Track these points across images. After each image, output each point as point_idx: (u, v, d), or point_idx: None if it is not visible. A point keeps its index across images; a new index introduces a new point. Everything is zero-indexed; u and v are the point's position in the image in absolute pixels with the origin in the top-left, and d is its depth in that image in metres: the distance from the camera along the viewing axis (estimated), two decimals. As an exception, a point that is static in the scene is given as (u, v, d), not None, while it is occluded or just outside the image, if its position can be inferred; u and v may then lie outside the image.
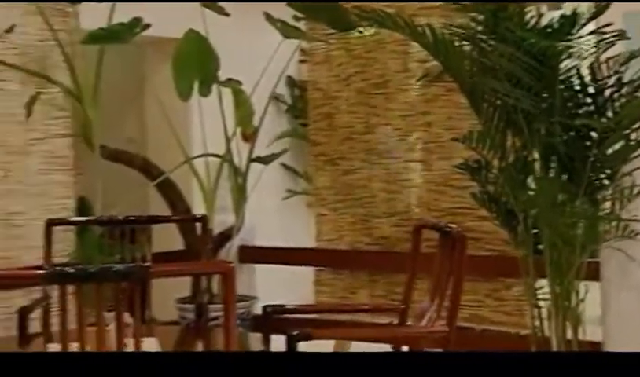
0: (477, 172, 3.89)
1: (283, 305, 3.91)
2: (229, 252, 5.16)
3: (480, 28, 3.55)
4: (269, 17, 4.76)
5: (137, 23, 4.61)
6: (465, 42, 3.56)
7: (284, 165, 7.04)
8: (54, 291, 4.27)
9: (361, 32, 4.88)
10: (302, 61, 6.32)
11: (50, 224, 4.32)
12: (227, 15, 4.84)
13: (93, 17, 4.87)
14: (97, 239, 4.14)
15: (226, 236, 5.15)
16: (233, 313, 2.81)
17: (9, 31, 4.70)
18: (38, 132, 4.98)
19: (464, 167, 3.91)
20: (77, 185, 5.09)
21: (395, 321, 3.87)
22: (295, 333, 3.40)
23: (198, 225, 4.71)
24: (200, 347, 4.24)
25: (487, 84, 3.50)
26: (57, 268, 2.67)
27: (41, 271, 2.78)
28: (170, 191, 4.96)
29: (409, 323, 3.79)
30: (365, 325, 4.53)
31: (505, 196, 3.70)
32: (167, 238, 5.27)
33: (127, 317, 2.91)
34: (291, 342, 3.39)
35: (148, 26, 4.61)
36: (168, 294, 5.11)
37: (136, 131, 6.83)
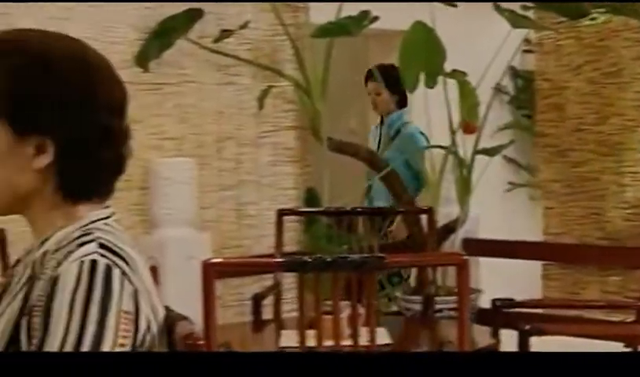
0: None
1: (512, 299, 3.87)
2: (453, 244, 5.13)
3: None
4: (497, 7, 4.70)
5: (365, 16, 4.65)
6: None
7: (506, 157, 6.95)
8: (285, 279, 4.39)
9: (593, 20, 4.75)
10: (526, 51, 6.21)
11: (281, 214, 4.43)
12: (454, 5, 4.82)
13: (322, 11, 4.94)
14: (326, 229, 4.19)
15: (450, 228, 5.13)
16: (466, 306, 2.80)
17: (244, 27, 4.83)
18: (268, 124, 5.11)
19: None
20: (304, 177, 5.19)
21: (630, 319, 3.75)
22: (527, 328, 3.36)
23: (423, 217, 4.72)
24: (425, 339, 4.24)
25: None
26: (296, 256, 2.74)
27: (279, 259, 2.86)
28: (395, 182, 4.97)
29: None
30: (598, 322, 4.42)
31: None
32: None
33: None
34: (523, 337, 3.35)
35: (376, 18, 4.64)
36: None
37: (358, 123, 6.90)
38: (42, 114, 1.74)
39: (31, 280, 1.75)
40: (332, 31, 4.67)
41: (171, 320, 1.83)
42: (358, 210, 4.27)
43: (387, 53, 6.17)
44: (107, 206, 1.84)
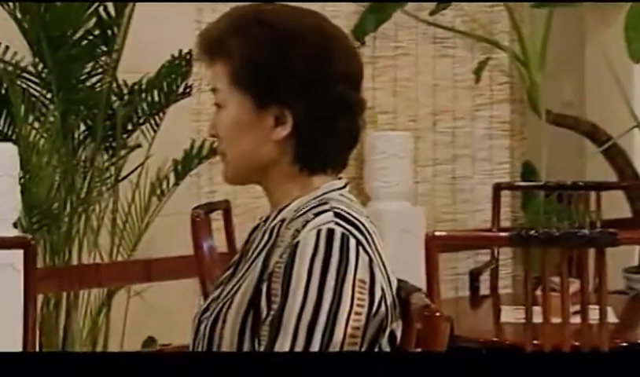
0: None
1: None
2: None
3: None
4: None
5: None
6: None
7: None
8: (502, 255, 4.32)
9: None
10: None
11: (498, 188, 4.36)
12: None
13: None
14: (546, 204, 4.09)
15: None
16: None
17: (464, -1, 4.76)
18: (484, 97, 5.03)
19: None
20: (521, 150, 5.09)
21: None
22: None
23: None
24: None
25: None
26: (522, 231, 2.67)
27: (505, 233, 2.80)
28: (618, 157, 4.81)
29: None
30: None
31: None
32: (613, 205, 5.13)
33: (577, 284, 2.85)
34: None
35: (599, -13, 4.49)
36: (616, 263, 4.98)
37: (574, 95, 6.70)
38: (283, 85, 1.77)
39: (270, 247, 1.78)
40: (553, 0, 4.55)
41: (405, 292, 1.81)
42: (580, 184, 4.14)
43: (602, 24, 5.95)
44: (340, 178, 1.86)
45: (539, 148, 4.79)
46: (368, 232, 1.76)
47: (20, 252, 2.83)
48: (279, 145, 1.80)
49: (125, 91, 4.16)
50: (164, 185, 4.21)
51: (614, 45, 4.85)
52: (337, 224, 1.72)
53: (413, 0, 4.67)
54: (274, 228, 1.81)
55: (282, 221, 1.80)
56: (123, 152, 4.19)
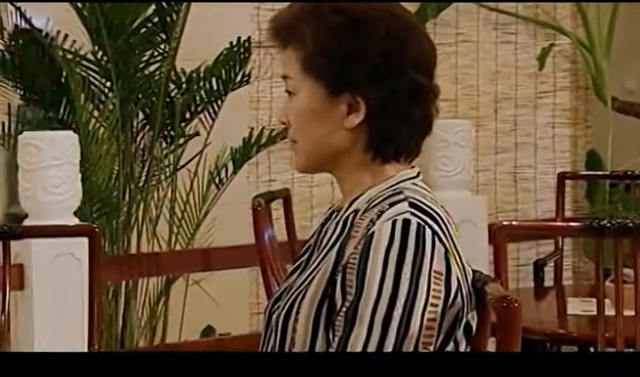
0: None
1: None
2: None
3: None
4: None
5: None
6: None
7: None
8: (566, 246, 4.24)
9: None
10: None
11: (563, 177, 4.27)
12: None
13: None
14: (612, 194, 4.00)
15: None
16: None
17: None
18: (547, 84, 4.94)
19: None
20: (585, 139, 4.99)
21: None
22: None
23: None
24: None
25: None
26: (595, 221, 2.60)
27: (576, 224, 2.74)
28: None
29: None
30: None
31: None
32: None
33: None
34: None
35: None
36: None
37: (637, 83, 6.57)
38: (356, 72, 1.75)
39: (344, 237, 1.76)
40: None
41: (481, 282, 1.77)
42: (647, 174, 4.04)
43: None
44: (412, 166, 1.83)
45: (603, 136, 4.70)
46: (443, 222, 1.74)
47: (81, 240, 2.83)
48: (351, 133, 1.77)
49: (183, 79, 4.14)
50: (222, 174, 4.18)
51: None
52: (413, 214, 1.70)
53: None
54: (347, 218, 1.78)
55: (355, 211, 1.78)
56: (181, 141, 4.17)
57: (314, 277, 1.75)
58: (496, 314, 1.67)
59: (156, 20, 4.03)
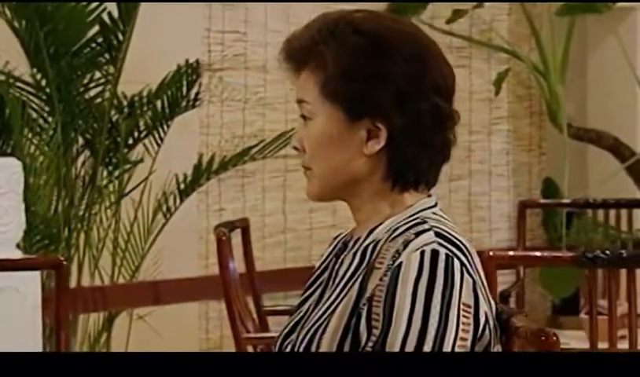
0: None
1: None
2: None
3: None
4: None
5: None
6: None
7: None
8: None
9: None
10: None
11: (524, 205, 4.17)
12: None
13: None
14: (584, 222, 3.90)
15: None
16: None
17: (478, 6, 4.59)
18: (501, 110, 4.89)
19: None
20: (540, 166, 4.92)
21: None
22: None
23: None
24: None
25: None
26: (587, 251, 2.50)
27: (570, 253, 2.63)
28: (640, 172, 4.63)
29: None
30: None
31: None
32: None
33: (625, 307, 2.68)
34: None
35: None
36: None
37: (575, 107, 6.55)
38: (379, 96, 1.69)
39: (364, 268, 1.70)
40: (576, 8, 4.39)
41: (506, 314, 1.73)
42: (611, 202, 3.95)
43: (606, 33, 5.78)
44: (429, 195, 1.77)
45: (558, 163, 4.62)
46: (469, 252, 1.69)
47: (28, 275, 2.68)
48: (371, 160, 1.72)
49: (125, 103, 3.95)
50: (171, 202, 3.99)
51: (617, 56, 4.72)
52: (440, 244, 1.65)
53: (430, 0, 4.49)
54: (366, 248, 1.73)
55: (375, 241, 1.72)
56: (124, 168, 3.98)
57: (333, 310, 1.68)
58: (535, 347, 1.64)
59: (100, 39, 3.84)
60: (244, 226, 3.46)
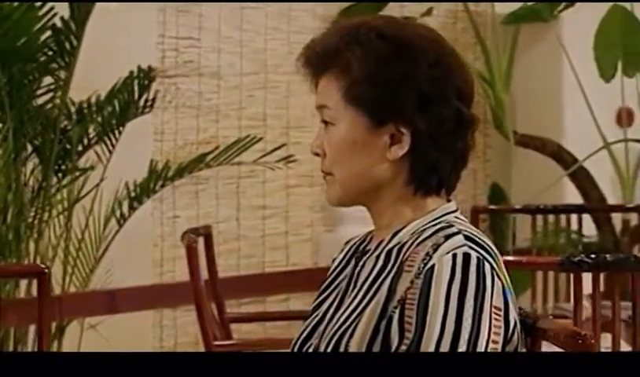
0: None
1: None
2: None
3: None
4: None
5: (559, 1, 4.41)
6: None
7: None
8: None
9: None
10: None
11: (477, 211, 4.19)
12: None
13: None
14: (555, 228, 3.93)
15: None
16: None
17: (427, 14, 4.61)
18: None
19: None
20: (486, 172, 4.97)
21: None
22: None
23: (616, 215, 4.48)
24: None
25: None
26: (572, 256, 2.53)
27: (556, 258, 2.66)
28: (584, 179, 4.70)
29: None
30: None
31: None
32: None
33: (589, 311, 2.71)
34: None
35: (573, 3, 4.39)
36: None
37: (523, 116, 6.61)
38: (403, 101, 1.69)
39: (391, 271, 1.69)
40: (523, 16, 4.44)
41: (532, 318, 1.75)
42: (560, 208, 4.01)
43: (534, 42, 5.85)
44: (449, 200, 1.78)
45: (503, 169, 4.68)
46: (497, 256, 1.69)
47: None
48: (394, 165, 1.72)
49: (73, 109, 3.88)
50: (125, 209, 3.93)
51: (544, 64, 4.78)
52: (471, 248, 1.65)
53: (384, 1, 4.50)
54: (390, 251, 1.72)
55: (400, 244, 1.72)
56: (74, 175, 3.91)
57: (360, 313, 1.67)
58: (570, 349, 1.65)
59: (53, 44, 3.76)
60: (206, 233, 3.42)
